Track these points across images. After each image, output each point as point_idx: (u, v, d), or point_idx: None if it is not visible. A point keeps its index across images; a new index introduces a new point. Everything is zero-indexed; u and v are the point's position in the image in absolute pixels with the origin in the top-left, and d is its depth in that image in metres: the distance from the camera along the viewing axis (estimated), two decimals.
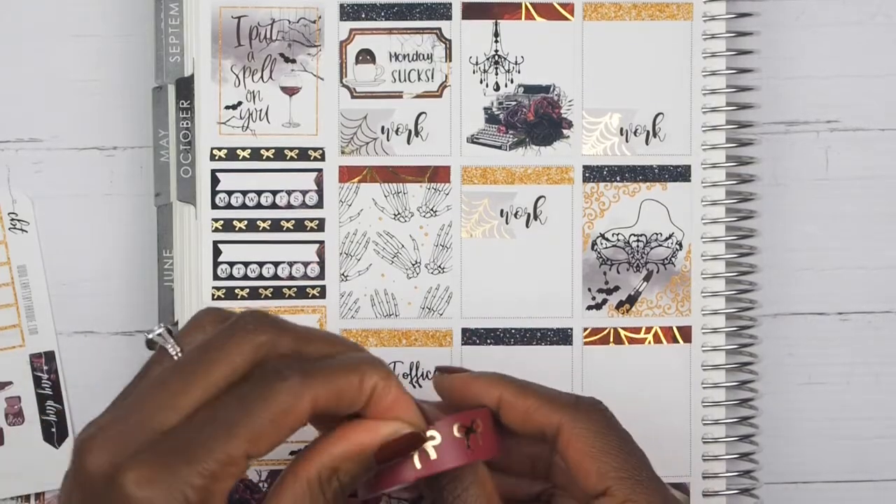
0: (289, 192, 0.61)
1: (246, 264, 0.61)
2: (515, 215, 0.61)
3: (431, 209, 0.61)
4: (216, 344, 0.47)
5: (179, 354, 0.47)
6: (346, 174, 0.61)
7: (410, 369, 0.61)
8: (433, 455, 0.49)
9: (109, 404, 0.48)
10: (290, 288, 0.61)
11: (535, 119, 0.61)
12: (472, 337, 0.61)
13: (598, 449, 0.50)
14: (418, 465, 0.49)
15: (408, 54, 0.61)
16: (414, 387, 0.61)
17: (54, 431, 0.62)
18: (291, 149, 0.61)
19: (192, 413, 0.45)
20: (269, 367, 0.47)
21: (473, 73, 0.61)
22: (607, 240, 0.61)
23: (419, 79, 0.61)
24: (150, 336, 0.48)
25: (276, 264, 0.61)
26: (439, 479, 0.50)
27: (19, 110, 0.62)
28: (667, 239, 0.61)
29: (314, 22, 0.61)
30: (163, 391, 0.46)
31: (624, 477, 0.50)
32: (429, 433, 0.49)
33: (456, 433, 0.49)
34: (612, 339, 0.61)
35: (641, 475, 0.50)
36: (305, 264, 0.61)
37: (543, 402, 0.51)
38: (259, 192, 0.61)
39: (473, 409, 0.51)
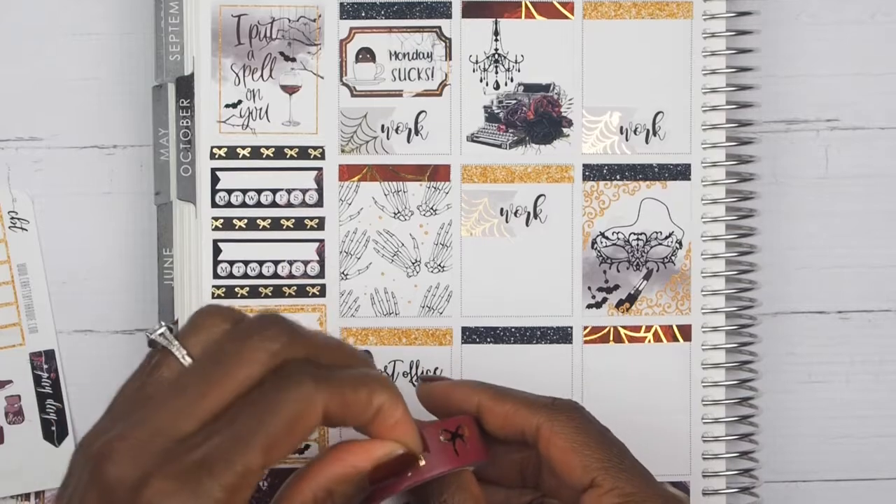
0: (289, 191, 0.61)
1: (246, 263, 0.61)
2: (515, 214, 0.61)
3: (431, 208, 0.61)
4: (232, 349, 0.46)
5: (186, 358, 0.47)
6: (346, 173, 0.61)
7: (410, 368, 0.61)
8: (422, 462, 0.49)
9: (110, 405, 0.47)
10: (290, 286, 0.61)
11: (535, 118, 0.61)
12: (472, 335, 0.61)
13: (578, 443, 0.52)
14: (408, 473, 0.49)
15: (408, 53, 0.61)
16: (414, 385, 0.61)
17: (54, 430, 0.62)
18: (291, 147, 0.61)
19: (211, 418, 0.45)
20: (282, 372, 0.46)
21: (473, 71, 0.61)
22: (607, 238, 0.61)
23: (419, 77, 0.61)
24: (153, 336, 0.48)
25: (276, 263, 0.61)
26: (425, 487, 0.51)
27: (19, 109, 0.62)
28: (667, 237, 0.61)
29: (314, 20, 0.61)
30: (180, 398, 0.45)
31: (608, 467, 0.51)
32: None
33: (441, 439, 0.50)
34: (611, 338, 0.61)
35: (624, 463, 0.52)
36: (305, 263, 0.61)
37: (521, 405, 0.53)
38: (259, 191, 0.61)
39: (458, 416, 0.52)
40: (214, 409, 0.45)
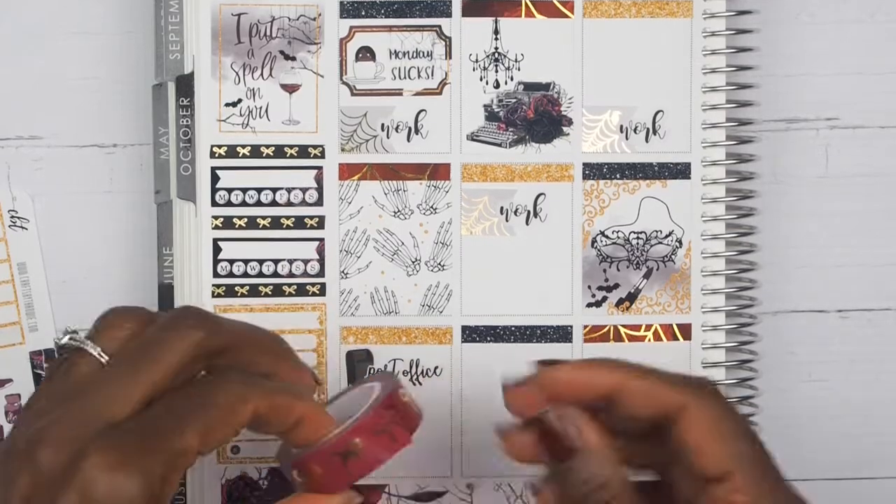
0: (289, 190, 0.61)
1: (246, 262, 0.61)
2: (515, 213, 0.61)
3: (431, 206, 0.61)
4: (156, 338, 0.47)
5: (102, 355, 0.47)
6: (346, 171, 0.61)
7: (410, 367, 0.61)
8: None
9: (26, 407, 0.47)
10: (289, 285, 0.61)
11: (534, 116, 0.61)
12: (472, 334, 0.61)
13: (721, 431, 0.49)
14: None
15: (408, 52, 0.61)
16: (414, 384, 0.61)
17: None
18: (291, 146, 0.61)
19: (140, 407, 0.46)
20: (214, 373, 0.49)
21: (473, 70, 0.61)
22: (607, 237, 0.61)
23: (419, 76, 0.61)
24: (63, 341, 0.48)
25: (275, 262, 0.61)
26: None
27: (19, 108, 0.62)
28: (667, 236, 0.61)
29: (314, 19, 0.61)
30: (110, 384, 0.46)
31: (744, 462, 0.48)
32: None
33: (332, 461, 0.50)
34: (612, 337, 0.61)
35: (760, 461, 0.49)
36: (305, 262, 0.61)
37: (665, 382, 0.50)
38: (259, 190, 0.61)
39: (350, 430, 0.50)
40: (145, 395, 0.46)
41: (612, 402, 0.50)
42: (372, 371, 0.61)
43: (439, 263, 0.61)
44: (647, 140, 0.61)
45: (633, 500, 0.49)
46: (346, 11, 0.61)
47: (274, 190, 0.61)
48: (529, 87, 0.61)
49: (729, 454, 0.48)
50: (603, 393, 0.50)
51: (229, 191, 0.61)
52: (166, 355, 0.47)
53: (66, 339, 0.48)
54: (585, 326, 0.61)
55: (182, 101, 0.61)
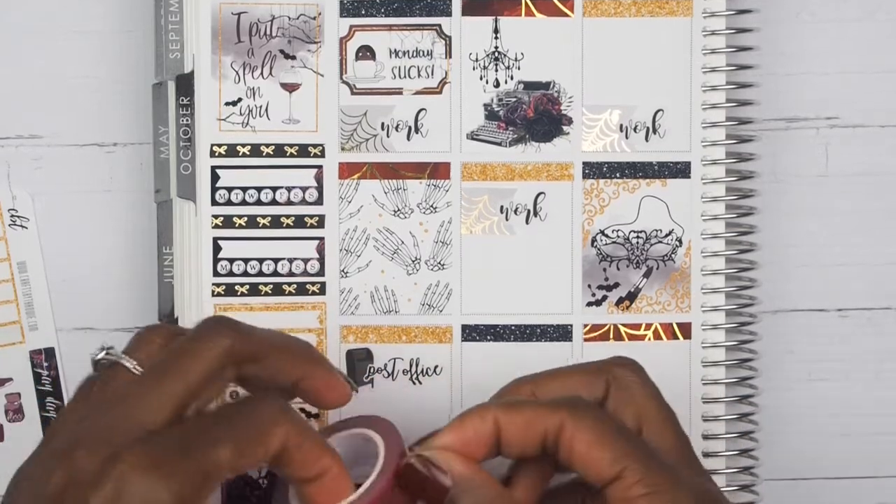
0: (289, 189, 0.61)
1: (246, 261, 0.61)
2: (515, 212, 0.61)
3: (431, 206, 0.61)
4: (186, 347, 0.48)
5: (137, 368, 0.49)
6: (346, 171, 0.61)
7: (410, 366, 0.61)
8: None
9: (59, 417, 0.49)
10: (289, 284, 0.61)
11: (534, 115, 0.61)
12: (472, 333, 0.61)
13: (604, 435, 0.50)
14: None
15: (408, 51, 0.61)
16: (414, 383, 0.61)
17: None
18: (291, 145, 0.61)
19: (173, 415, 0.47)
20: (251, 389, 0.51)
21: (473, 69, 0.61)
22: (607, 236, 0.61)
23: (419, 75, 0.61)
24: (99, 356, 0.49)
25: (275, 261, 0.61)
26: None
27: (19, 107, 0.62)
28: (667, 235, 0.61)
29: (314, 18, 0.61)
30: (143, 392, 0.47)
31: (636, 456, 0.49)
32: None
33: None
34: (612, 336, 0.61)
35: (652, 452, 0.50)
36: (305, 261, 0.61)
37: (540, 408, 0.51)
38: (259, 189, 0.61)
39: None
40: (177, 403, 0.47)
41: (499, 445, 0.51)
42: (372, 370, 0.61)
43: (439, 262, 0.61)
44: (647, 139, 0.61)
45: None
46: (346, 10, 0.61)
47: (274, 189, 0.61)
48: (529, 86, 0.61)
49: (615, 456, 0.49)
50: (489, 438, 0.51)
51: (229, 190, 0.61)
52: (195, 363, 0.48)
53: (101, 355, 0.49)
54: (585, 325, 0.61)
55: (182, 100, 0.61)
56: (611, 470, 0.49)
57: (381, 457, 0.51)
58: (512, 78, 0.61)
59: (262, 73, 0.61)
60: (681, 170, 0.61)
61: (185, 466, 0.45)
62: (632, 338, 0.61)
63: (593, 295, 0.61)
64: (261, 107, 0.61)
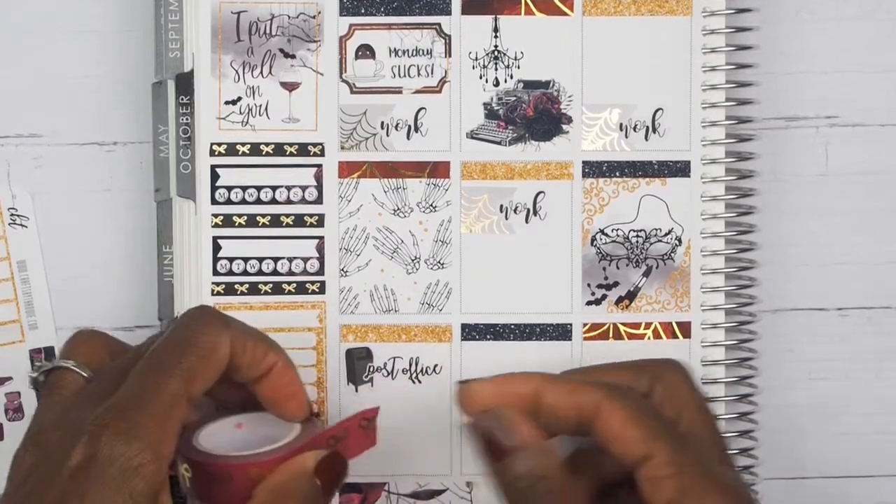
0: (288, 188, 0.61)
1: (245, 260, 0.61)
2: (515, 211, 0.61)
3: (431, 205, 0.61)
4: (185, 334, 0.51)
5: (83, 369, 0.53)
6: (346, 169, 0.61)
7: (410, 365, 0.61)
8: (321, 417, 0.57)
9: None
10: (289, 283, 0.61)
11: (534, 114, 0.61)
12: (472, 332, 0.61)
13: (639, 413, 0.51)
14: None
15: (407, 50, 0.61)
16: (413, 382, 0.61)
17: None
18: (291, 144, 0.61)
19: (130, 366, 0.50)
20: (192, 311, 0.53)
21: (473, 68, 0.61)
22: (607, 235, 0.61)
23: (419, 74, 0.61)
24: (41, 371, 0.53)
25: (275, 260, 0.61)
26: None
27: (19, 106, 0.63)
28: (666, 234, 0.61)
29: (314, 17, 0.61)
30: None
31: (667, 437, 0.50)
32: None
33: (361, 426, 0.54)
34: (611, 335, 0.61)
35: (685, 437, 0.51)
36: (305, 260, 0.61)
37: (580, 383, 0.53)
38: (259, 188, 0.61)
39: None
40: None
41: (535, 408, 0.53)
42: (371, 369, 0.61)
43: (439, 261, 0.61)
44: (646, 138, 0.61)
45: (572, 490, 0.51)
46: (345, 9, 0.61)
47: (273, 188, 0.61)
48: (529, 84, 0.61)
49: (645, 436, 0.50)
50: (525, 401, 0.53)
51: (229, 189, 0.61)
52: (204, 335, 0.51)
53: (44, 368, 0.53)
54: (585, 324, 0.61)
55: (182, 99, 0.61)
56: (642, 448, 0.50)
57: (295, 430, 0.54)
58: (511, 77, 0.61)
59: (261, 72, 0.61)
60: (680, 169, 0.61)
61: (146, 416, 0.48)
62: (631, 337, 0.61)
63: (593, 294, 0.61)
64: (260, 106, 0.61)
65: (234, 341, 0.51)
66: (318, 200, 0.61)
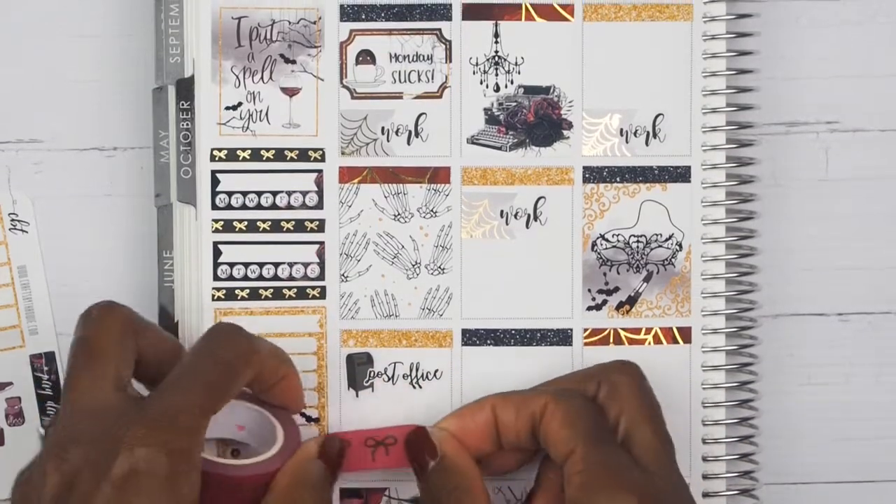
0: (289, 193, 0.61)
1: (246, 265, 0.61)
2: (515, 216, 0.61)
3: (431, 210, 0.61)
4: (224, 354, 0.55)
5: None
6: (346, 175, 0.61)
7: (410, 370, 0.61)
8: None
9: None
10: (290, 288, 0.61)
11: (535, 120, 0.61)
12: (472, 337, 0.61)
13: (570, 418, 0.55)
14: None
15: (408, 55, 0.61)
16: (414, 387, 0.61)
17: None
18: (291, 149, 0.61)
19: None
20: (222, 328, 0.56)
21: (473, 73, 0.61)
22: (607, 241, 0.61)
23: (419, 79, 0.61)
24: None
25: (276, 265, 0.61)
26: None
27: (20, 111, 0.63)
28: (667, 240, 0.61)
29: (314, 23, 0.61)
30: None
31: (592, 437, 0.54)
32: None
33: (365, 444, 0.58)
34: (612, 340, 0.61)
35: (612, 437, 0.54)
36: (305, 265, 0.61)
37: (530, 393, 0.57)
38: (259, 193, 0.61)
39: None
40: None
41: (497, 431, 0.57)
42: (372, 374, 0.61)
43: (439, 267, 0.61)
44: (647, 143, 0.61)
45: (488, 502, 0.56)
46: (346, 15, 0.61)
47: (274, 193, 0.61)
48: (529, 90, 0.61)
49: (573, 435, 0.54)
50: (488, 426, 0.57)
51: (229, 194, 0.61)
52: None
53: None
54: (585, 330, 0.61)
55: (182, 104, 0.61)
56: (566, 447, 0.54)
57: (281, 438, 0.57)
58: (512, 82, 0.61)
59: (262, 78, 0.61)
60: (681, 174, 0.61)
61: (178, 430, 0.51)
62: (632, 342, 0.61)
63: (593, 299, 0.61)
64: (261, 111, 0.61)
65: (259, 364, 0.55)
66: (319, 206, 0.61)
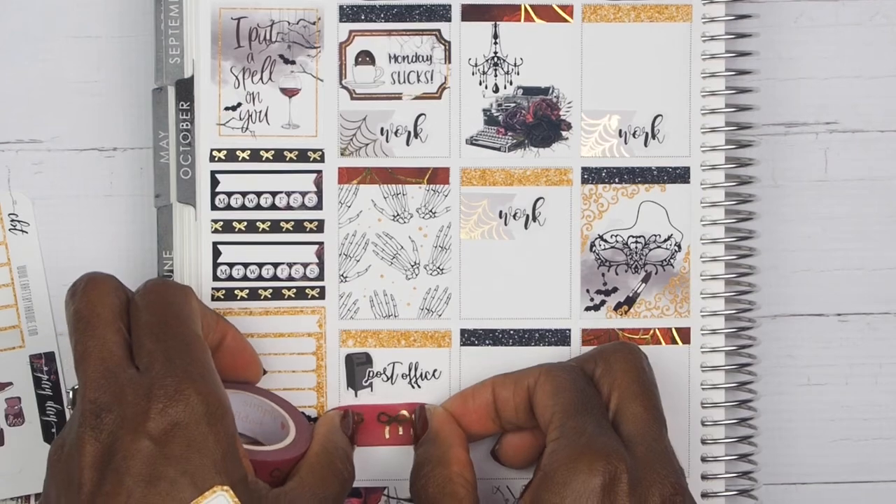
0: (288, 194, 0.61)
1: (245, 265, 0.61)
2: (514, 217, 0.61)
3: (430, 210, 0.61)
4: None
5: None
6: (346, 175, 0.61)
7: (409, 370, 0.61)
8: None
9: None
10: (289, 289, 0.61)
11: (533, 121, 0.61)
12: (471, 338, 0.61)
13: (556, 389, 0.56)
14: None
15: (407, 56, 0.61)
16: (413, 387, 0.61)
17: (54, 432, 0.62)
18: (291, 150, 0.61)
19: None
20: (164, 283, 0.57)
21: (472, 74, 0.61)
22: (606, 241, 0.61)
23: (418, 80, 0.61)
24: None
25: (275, 265, 0.61)
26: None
27: (20, 111, 0.63)
28: (665, 240, 0.61)
29: (314, 23, 0.61)
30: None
31: (572, 410, 0.55)
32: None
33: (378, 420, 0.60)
34: (610, 341, 0.61)
35: (592, 410, 0.55)
36: (305, 265, 0.61)
37: (527, 369, 0.59)
38: (258, 194, 0.61)
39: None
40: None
41: (496, 409, 0.59)
42: (371, 374, 0.61)
43: (438, 267, 0.61)
44: (646, 144, 0.61)
45: (470, 477, 0.57)
46: (345, 15, 0.61)
47: (273, 193, 0.61)
48: (528, 91, 0.61)
49: (555, 404, 0.55)
50: (486, 410, 0.59)
51: (229, 194, 0.61)
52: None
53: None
54: (584, 330, 0.61)
55: (182, 104, 0.61)
56: (548, 415, 0.55)
57: (293, 431, 0.58)
58: (511, 83, 0.61)
59: (261, 78, 0.61)
60: (680, 175, 0.61)
61: (197, 378, 0.51)
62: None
63: (592, 300, 0.61)
64: (260, 112, 0.61)
65: (199, 312, 0.56)
66: (318, 206, 0.61)
